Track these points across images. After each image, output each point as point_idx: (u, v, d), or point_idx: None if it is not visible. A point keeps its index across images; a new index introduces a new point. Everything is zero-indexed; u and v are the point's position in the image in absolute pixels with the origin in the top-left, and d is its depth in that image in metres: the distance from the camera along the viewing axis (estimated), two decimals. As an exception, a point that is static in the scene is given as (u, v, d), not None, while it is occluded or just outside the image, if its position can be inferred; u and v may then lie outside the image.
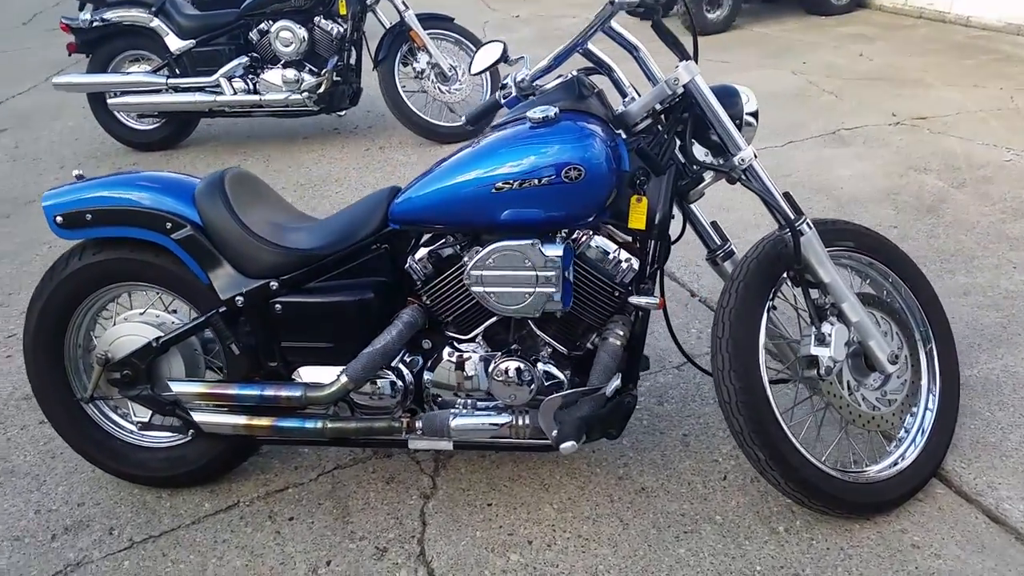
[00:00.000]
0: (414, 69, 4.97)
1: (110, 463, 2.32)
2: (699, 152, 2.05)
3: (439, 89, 4.95)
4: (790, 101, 5.26)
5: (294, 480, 2.36)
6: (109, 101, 4.99)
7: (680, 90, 1.96)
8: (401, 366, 2.09)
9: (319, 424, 2.09)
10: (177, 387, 2.11)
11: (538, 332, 2.05)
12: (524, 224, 1.90)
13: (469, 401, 2.08)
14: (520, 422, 2.01)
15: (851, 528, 2.05)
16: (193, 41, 4.92)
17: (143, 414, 2.26)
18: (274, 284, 2.05)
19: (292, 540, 2.15)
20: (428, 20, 4.98)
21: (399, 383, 2.06)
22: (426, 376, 2.09)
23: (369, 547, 2.11)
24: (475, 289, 1.94)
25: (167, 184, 2.14)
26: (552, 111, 1.88)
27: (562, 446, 1.88)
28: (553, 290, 1.90)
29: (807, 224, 1.98)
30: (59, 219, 2.10)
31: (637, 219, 1.96)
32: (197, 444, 2.27)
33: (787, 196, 2.00)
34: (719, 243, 2.18)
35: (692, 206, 2.14)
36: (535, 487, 2.26)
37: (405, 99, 4.95)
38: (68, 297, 2.20)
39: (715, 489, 2.21)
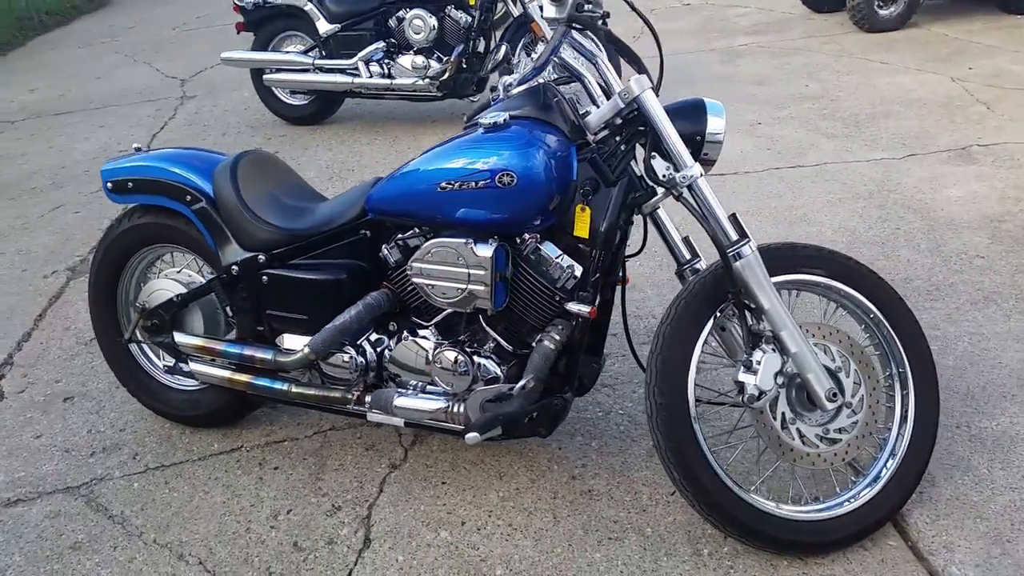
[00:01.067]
0: (532, 60, 5.08)
1: (145, 398, 2.69)
2: (661, 167, 2.05)
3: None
4: (934, 110, 4.84)
5: (292, 435, 2.62)
6: (264, 77, 5.52)
7: (635, 104, 1.97)
8: (366, 344, 2.26)
9: (285, 386, 2.32)
10: (179, 338, 2.42)
11: (486, 327, 2.15)
12: (472, 223, 2.00)
13: (420, 383, 2.22)
14: (455, 409, 2.12)
15: (777, 564, 1.99)
16: (339, 25, 5.33)
17: (169, 360, 2.60)
18: (262, 257, 2.30)
19: (269, 486, 2.41)
20: (553, 12, 5.06)
21: (360, 359, 2.24)
22: (386, 355, 2.25)
23: (327, 504, 2.32)
24: (416, 280, 2.08)
25: (196, 161, 2.44)
26: (502, 117, 1.97)
27: (466, 436, 1.99)
28: (483, 288, 1.99)
29: (749, 247, 1.93)
30: (110, 185, 2.47)
31: (580, 227, 2.01)
32: (210, 392, 2.57)
33: (733, 218, 1.96)
34: (688, 258, 2.16)
35: (664, 219, 2.14)
36: (490, 474, 2.36)
37: (521, 89, 5.07)
38: (119, 253, 2.57)
39: (659, 503, 2.21)
